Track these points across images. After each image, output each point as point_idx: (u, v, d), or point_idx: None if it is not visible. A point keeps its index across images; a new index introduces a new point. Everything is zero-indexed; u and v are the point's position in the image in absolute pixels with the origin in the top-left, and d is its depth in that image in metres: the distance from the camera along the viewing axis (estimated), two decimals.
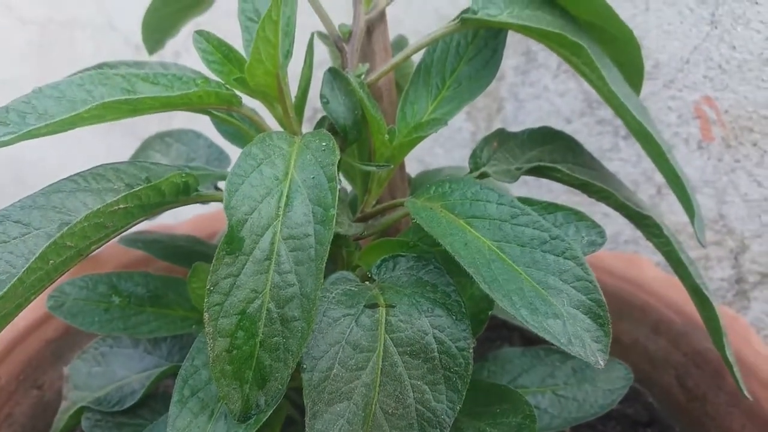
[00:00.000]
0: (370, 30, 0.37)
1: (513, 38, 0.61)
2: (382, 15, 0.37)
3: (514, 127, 0.73)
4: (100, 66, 0.38)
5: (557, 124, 0.72)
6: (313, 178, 0.29)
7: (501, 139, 0.40)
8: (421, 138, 0.35)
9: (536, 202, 0.35)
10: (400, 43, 0.45)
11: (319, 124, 0.37)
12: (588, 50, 0.34)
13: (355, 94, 0.35)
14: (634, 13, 0.64)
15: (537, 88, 0.70)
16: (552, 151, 0.41)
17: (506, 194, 0.32)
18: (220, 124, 0.41)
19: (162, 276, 0.40)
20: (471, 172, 0.40)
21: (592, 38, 0.41)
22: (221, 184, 0.46)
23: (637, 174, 0.69)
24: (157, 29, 0.51)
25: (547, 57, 0.69)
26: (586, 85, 0.54)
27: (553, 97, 0.70)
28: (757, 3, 0.59)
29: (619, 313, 0.60)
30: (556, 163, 0.41)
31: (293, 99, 0.37)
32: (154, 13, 0.48)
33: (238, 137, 0.40)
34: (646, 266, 0.62)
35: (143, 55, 0.93)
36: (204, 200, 0.33)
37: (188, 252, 0.45)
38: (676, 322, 0.57)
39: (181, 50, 0.90)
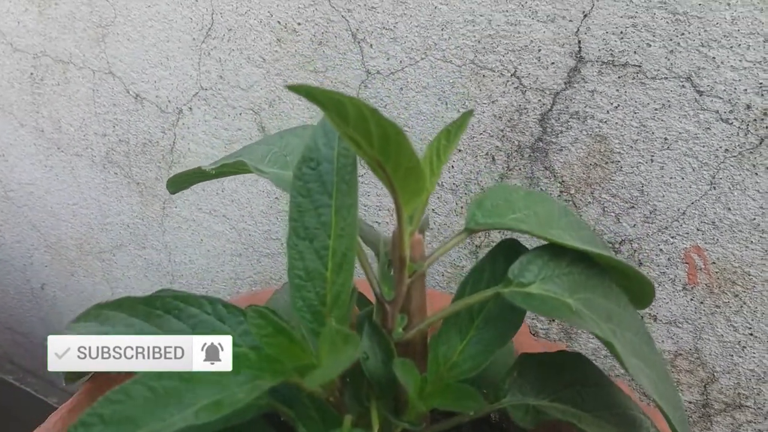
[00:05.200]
0: (410, 288, 0.39)
1: None
2: (421, 275, 0.39)
3: None
4: (149, 300, 0.39)
5: None
6: None
7: (521, 368, 0.43)
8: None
9: None
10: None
11: (357, 380, 0.39)
12: (617, 347, 0.36)
13: (392, 357, 0.37)
14: (639, 162, 0.66)
15: None
16: (564, 378, 0.44)
17: None
18: None
19: None
20: (492, 403, 0.42)
21: (613, 278, 0.44)
22: None
23: None
24: (185, 183, 0.51)
25: None
26: None
27: None
28: (756, 174, 0.62)
29: None
30: (566, 387, 0.44)
31: None
32: (185, 176, 0.49)
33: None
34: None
35: (144, 106, 0.92)
36: None
37: None
38: None
39: (185, 109, 0.89)
